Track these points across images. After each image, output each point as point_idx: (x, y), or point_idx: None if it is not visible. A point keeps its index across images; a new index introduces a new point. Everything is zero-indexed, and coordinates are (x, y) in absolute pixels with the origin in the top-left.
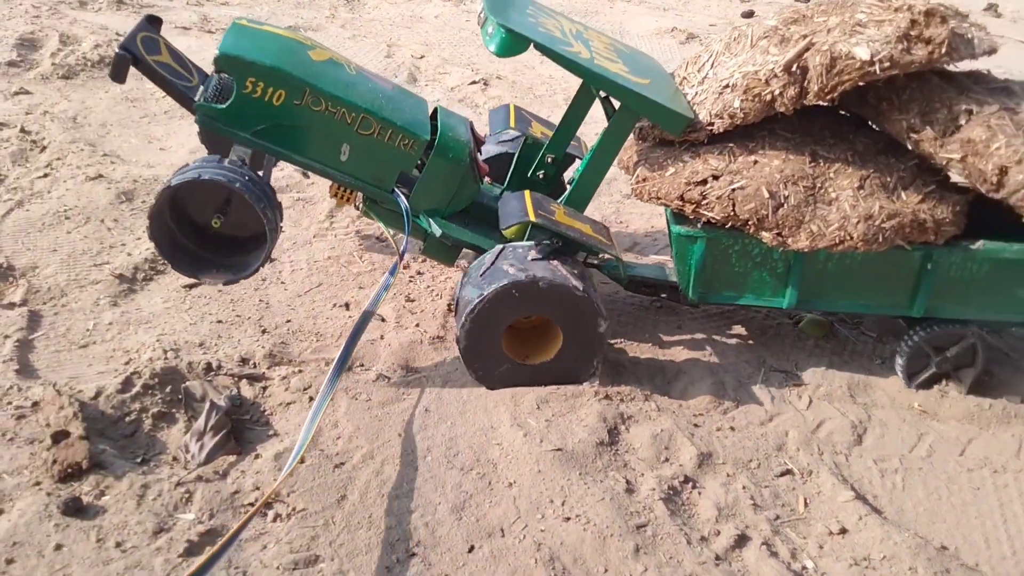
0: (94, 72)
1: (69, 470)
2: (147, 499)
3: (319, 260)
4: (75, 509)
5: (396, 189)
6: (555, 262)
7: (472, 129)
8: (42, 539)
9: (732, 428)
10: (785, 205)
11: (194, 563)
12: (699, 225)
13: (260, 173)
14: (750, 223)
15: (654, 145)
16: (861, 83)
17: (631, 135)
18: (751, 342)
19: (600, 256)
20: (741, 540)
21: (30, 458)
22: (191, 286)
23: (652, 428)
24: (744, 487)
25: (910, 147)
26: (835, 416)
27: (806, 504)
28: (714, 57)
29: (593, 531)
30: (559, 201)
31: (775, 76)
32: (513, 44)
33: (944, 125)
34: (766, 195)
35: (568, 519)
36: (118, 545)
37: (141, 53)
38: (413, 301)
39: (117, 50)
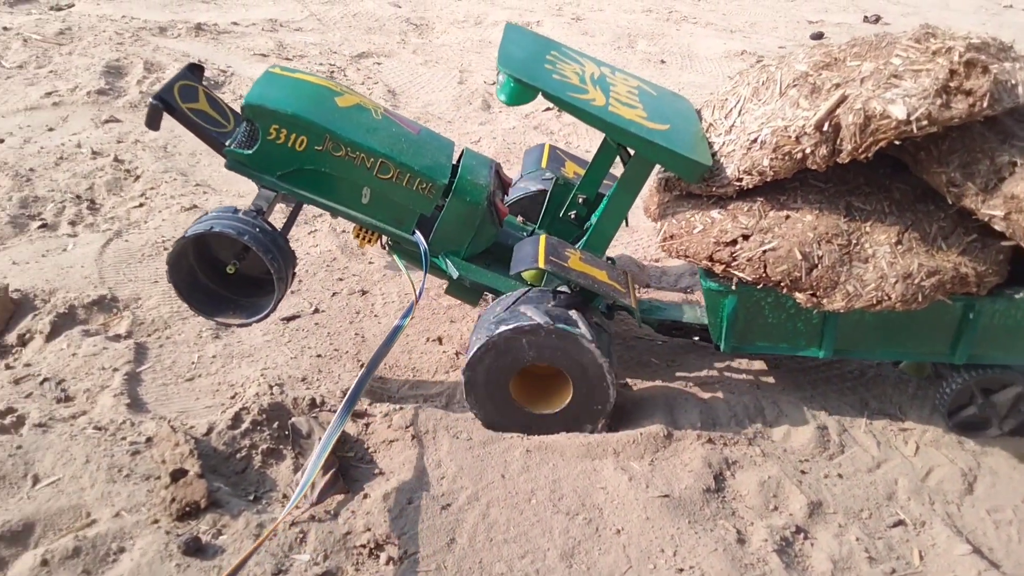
0: None
1: (187, 508)
2: (265, 540)
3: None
4: (195, 549)
5: (416, 231)
6: (575, 313)
7: (498, 171)
8: None
9: (840, 475)
10: (819, 266)
11: None
12: (732, 284)
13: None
14: (783, 284)
15: (680, 197)
16: (897, 142)
17: (657, 184)
18: (851, 384)
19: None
20: None
21: (147, 495)
22: (289, 319)
23: (759, 475)
24: (857, 539)
25: (951, 201)
26: (944, 463)
27: (921, 557)
28: (741, 103)
29: None
30: (578, 246)
31: (806, 134)
32: (522, 93)
33: (986, 178)
34: (799, 256)
35: (681, 570)
36: None
37: (176, 102)
38: None
39: (151, 99)
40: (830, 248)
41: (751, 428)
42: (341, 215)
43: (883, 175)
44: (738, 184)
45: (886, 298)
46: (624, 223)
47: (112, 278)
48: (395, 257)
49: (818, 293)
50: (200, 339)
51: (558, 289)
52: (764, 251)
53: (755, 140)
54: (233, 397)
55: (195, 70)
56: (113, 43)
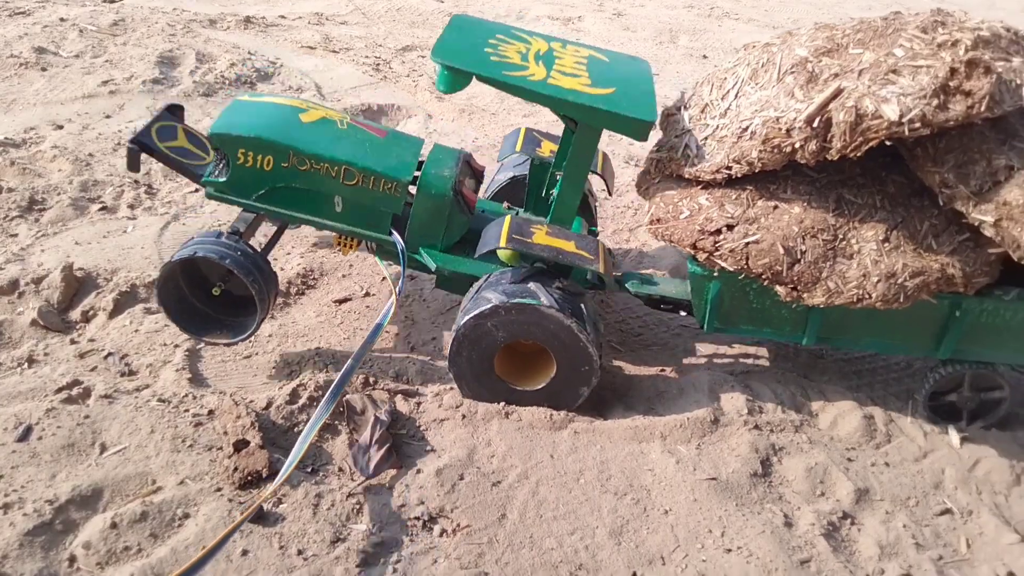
0: (231, 90)
1: (250, 477)
2: (321, 508)
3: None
4: (257, 516)
5: (393, 232)
6: (533, 284)
7: (468, 161)
8: (229, 544)
9: (887, 464)
10: (801, 261)
11: (184, 564)
12: (715, 271)
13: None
14: (764, 277)
15: (670, 179)
16: (888, 143)
17: (647, 164)
18: (897, 375)
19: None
20: None
21: (210, 464)
22: (341, 301)
23: (806, 461)
24: (904, 525)
25: (942, 202)
26: (991, 454)
27: (968, 545)
28: (739, 85)
29: (757, 564)
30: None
31: (796, 128)
32: (455, 79)
33: (980, 181)
34: (781, 251)
35: (729, 550)
36: (300, 553)
37: (154, 143)
38: None
39: (128, 143)
40: (814, 243)
41: (797, 416)
42: (321, 226)
43: (880, 166)
44: (727, 172)
45: (866, 296)
46: (607, 194)
47: None
48: (377, 259)
49: (799, 287)
50: None
51: (523, 266)
52: (747, 243)
53: (746, 129)
54: (290, 374)
55: (175, 110)
56: (165, 34)
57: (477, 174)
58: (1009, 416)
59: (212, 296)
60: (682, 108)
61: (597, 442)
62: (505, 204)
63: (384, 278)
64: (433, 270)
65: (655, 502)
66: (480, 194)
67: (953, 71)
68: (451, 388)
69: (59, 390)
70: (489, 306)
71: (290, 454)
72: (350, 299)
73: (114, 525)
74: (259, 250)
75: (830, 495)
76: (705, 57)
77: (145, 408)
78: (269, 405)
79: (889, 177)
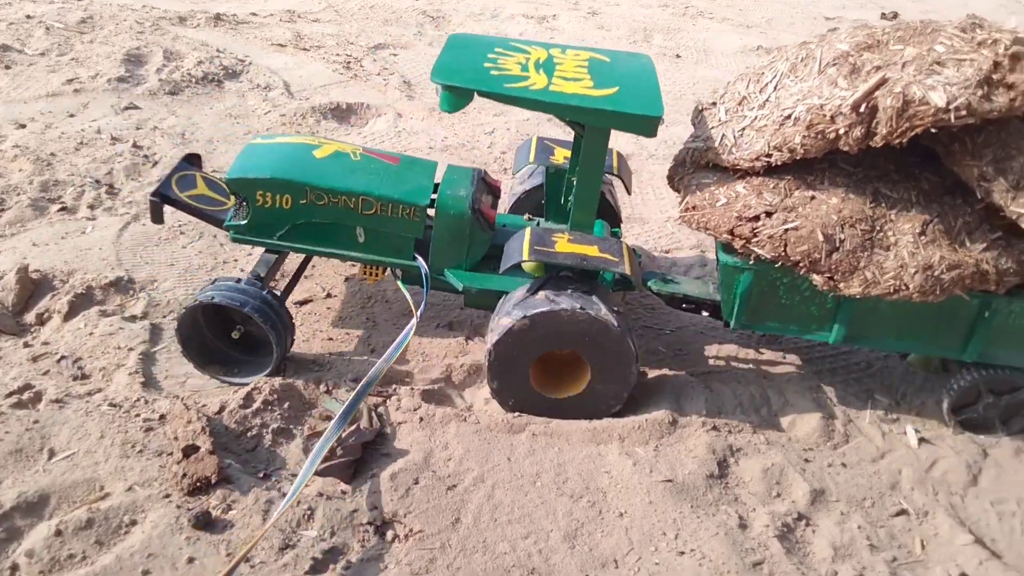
0: (198, 88)
1: (199, 483)
2: (271, 515)
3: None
4: (205, 523)
5: (417, 256)
6: (550, 293)
7: (484, 178)
8: (175, 552)
9: (844, 464)
10: (840, 250)
11: None
12: (749, 260)
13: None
14: (801, 264)
15: (705, 169)
16: (933, 130)
17: (679, 155)
18: (857, 375)
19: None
20: None
21: (159, 470)
22: (302, 303)
23: (762, 462)
24: (859, 526)
25: (980, 195)
26: (948, 455)
27: (923, 546)
28: (778, 78)
29: (709, 567)
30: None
31: (841, 114)
32: (457, 99)
33: (1019, 175)
34: (820, 238)
35: (682, 553)
36: (247, 560)
37: (175, 194)
38: None
39: (150, 196)
40: (853, 232)
41: (756, 416)
42: (346, 259)
43: (913, 164)
44: (767, 159)
45: (904, 287)
46: (626, 191)
47: (129, 260)
48: (400, 285)
49: (836, 277)
50: None
51: (561, 274)
52: (786, 230)
53: (788, 116)
54: None
55: (192, 159)
56: (134, 32)
57: (494, 190)
58: None
59: (231, 338)
60: (718, 102)
61: (555, 444)
62: (526, 216)
63: (347, 279)
64: (460, 290)
65: (611, 504)
66: (500, 208)
67: (996, 64)
68: (410, 391)
69: (9, 394)
70: (549, 309)
71: (295, 483)
72: (311, 300)
73: (59, 532)
74: (279, 293)
75: (786, 496)
76: (679, 56)
77: (96, 413)
78: (222, 409)
79: (923, 175)
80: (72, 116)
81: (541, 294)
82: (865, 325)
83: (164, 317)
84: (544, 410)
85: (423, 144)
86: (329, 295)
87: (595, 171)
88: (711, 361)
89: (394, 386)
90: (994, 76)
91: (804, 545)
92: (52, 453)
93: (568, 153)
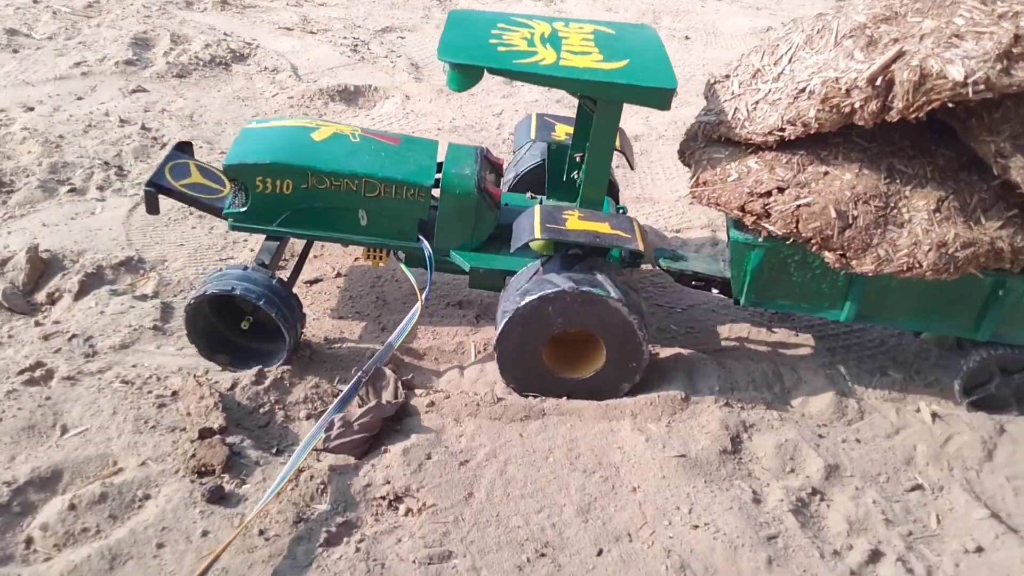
0: (206, 71)
1: (204, 468)
2: (285, 489)
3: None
4: (219, 497)
5: (421, 238)
6: (559, 272)
7: (487, 156)
8: (189, 525)
9: (858, 440)
10: (853, 226)
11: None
12: (760, 236)
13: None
14: (813, 241)
15: (717, 143)
16: (951, 104)
17: (692, 129)
18: (871, 352)
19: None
20: (875, 555)
21: (173, 446)
22: (312, 282)
23: (776, 437)
24: (874, 501)
25: (996, 172)
26: (964, 431)
27: (939, 520)
28: (793, 50)
29: (723, 540)
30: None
31: (857, 87)
32: (466, 77)
33: None
34: (833, 215)
35: (696, 527)
36: (261, 533)
37: (169, 183)
38: None
39: (144, 187)
40: (866, 209)
41: (769, 393)
42: (349, 242)
43: (928, 140)
44: (780, 134)
45: (917, 265)
46: (630, 166)
47: (139, 240)
48: (403, 267)
49: (848, 254)
50: None
51: (570, 252)
52: (798, 206)
53: (803, 90)
54: None
55: (184, 147)
56: (141, 16)
57: (497, 168)
58: None
59: (241, 328)
60: (731, 75)
61: (567, 421)
62: (529, 194)
63: (357, 258)
64: (467, 270)
65: (624, 479)
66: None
67: (1017, 38)
68: (421, 368)
69: (21, 372)
70: (555, 290)
71: (288, 464)
72: (321, 279)
73: (73, 507)
74: (285, 280)
75: (800, 471)
76: (688, 38)
77: (108, 389)
78: (235, 386)
79: (938, 151)
80: (80, 99)
81: (551, 274)
82: (877, 303)
83: (175, 296)
84: (561, 391)
85: (431, 126)
86: (339, 274)
87: (606, 146)
88: (723, 339)
89: (407, 364)
90: (1014, 50)
91: (819, 519)
92: (65, 429)
93: (570, 129)
